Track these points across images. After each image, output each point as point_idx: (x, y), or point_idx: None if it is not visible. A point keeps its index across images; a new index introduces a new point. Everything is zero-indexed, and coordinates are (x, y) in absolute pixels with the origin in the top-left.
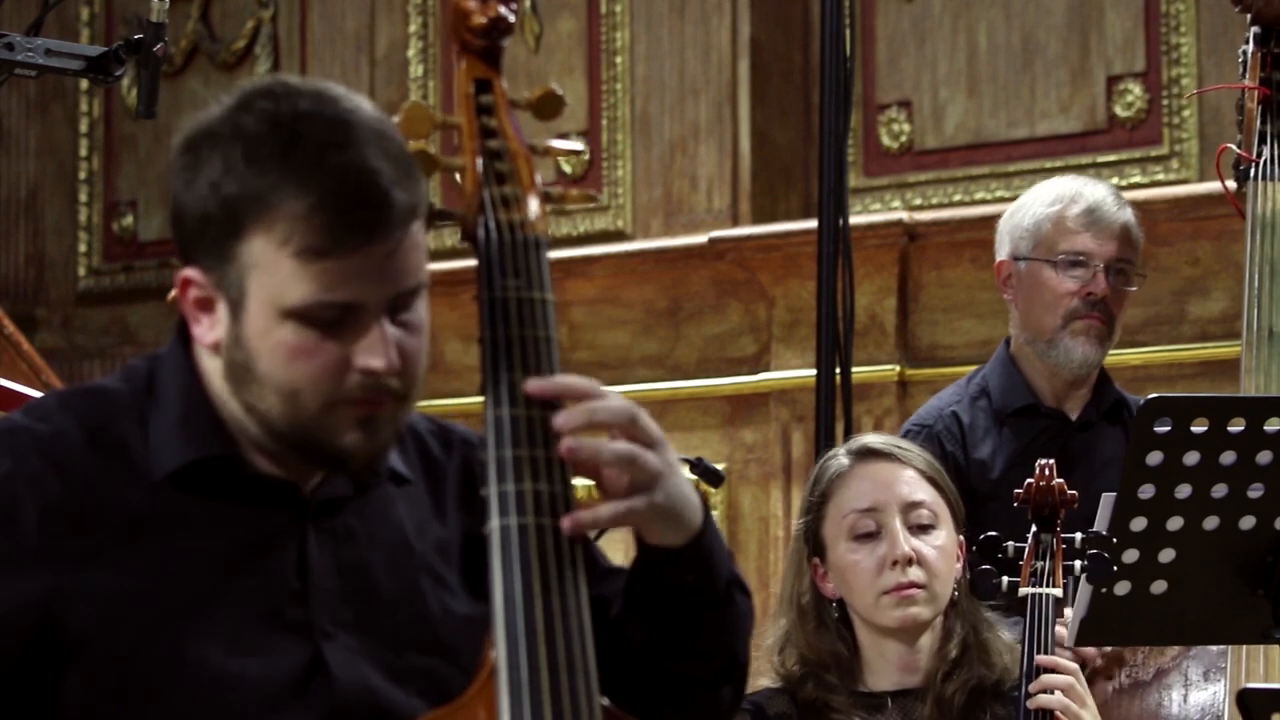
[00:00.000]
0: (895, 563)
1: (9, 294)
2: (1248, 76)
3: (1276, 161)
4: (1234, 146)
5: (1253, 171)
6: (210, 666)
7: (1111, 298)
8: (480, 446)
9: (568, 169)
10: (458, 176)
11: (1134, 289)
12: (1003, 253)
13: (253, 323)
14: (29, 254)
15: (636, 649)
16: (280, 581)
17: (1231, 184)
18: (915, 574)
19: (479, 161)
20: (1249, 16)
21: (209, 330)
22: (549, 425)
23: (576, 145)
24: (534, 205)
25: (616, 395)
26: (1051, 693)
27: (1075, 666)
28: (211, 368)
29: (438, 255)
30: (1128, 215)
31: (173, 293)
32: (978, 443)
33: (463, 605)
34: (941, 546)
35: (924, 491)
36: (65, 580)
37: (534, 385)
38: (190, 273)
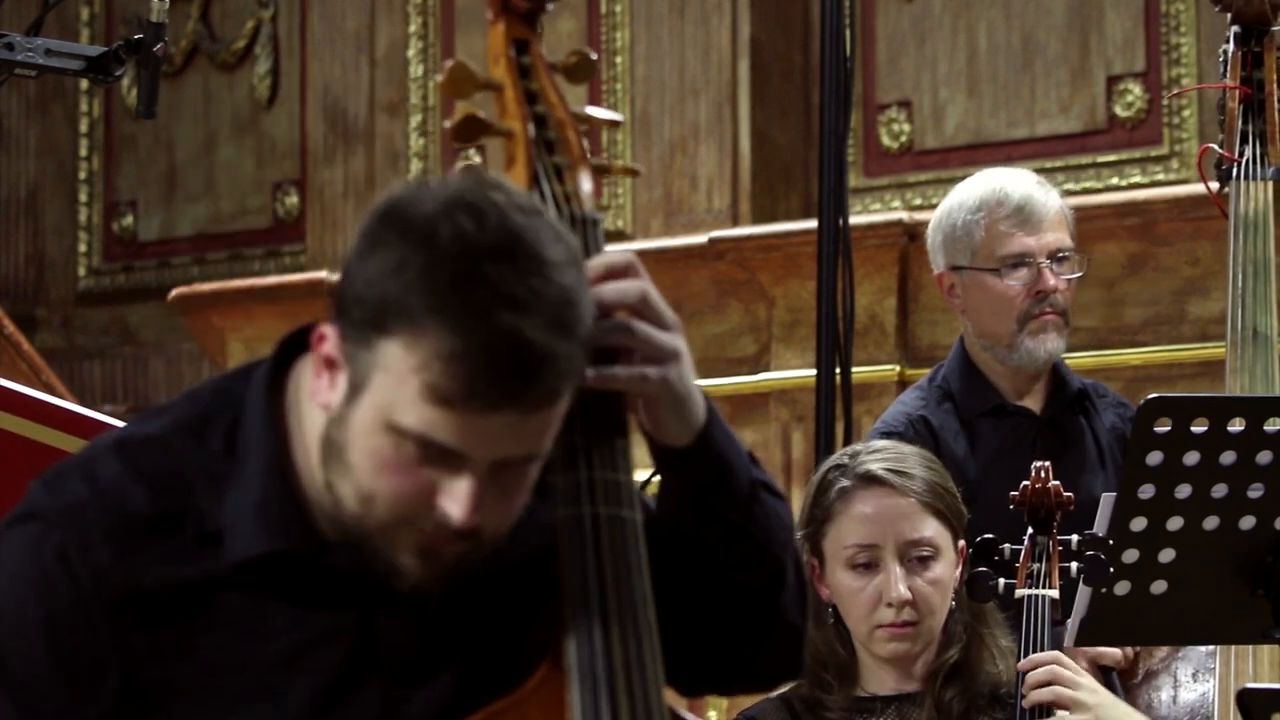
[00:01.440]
0: (890, 603)
1: (9, 294)
2: (1228, 76)
3: (1258, 161)
4: (1216, 146)
5: (1235, 171)
6: None
7: (1058, 288)
8: None
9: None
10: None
11: (1080, 274)
12: (939, 264)
13: (361, 415)
14: (29, 254)
15: (681, 569)
16: (353, 680)
17: (1214, 184)
18: (909, 614)
19: (529, 127)
20: (1229, 16)
21: (327, 390)
22: (612, 409)
23: (614, 115)
24: (586, 178)
25: (626, 268)
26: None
27: (1056, 654)
28: (309, 427)
29: None
30: (1056, 200)
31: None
32: (950, 446)
33: (529, 625)
34: (938, 579)
35: (925, 525)
36: (130, 666)
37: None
38: (330, 330)
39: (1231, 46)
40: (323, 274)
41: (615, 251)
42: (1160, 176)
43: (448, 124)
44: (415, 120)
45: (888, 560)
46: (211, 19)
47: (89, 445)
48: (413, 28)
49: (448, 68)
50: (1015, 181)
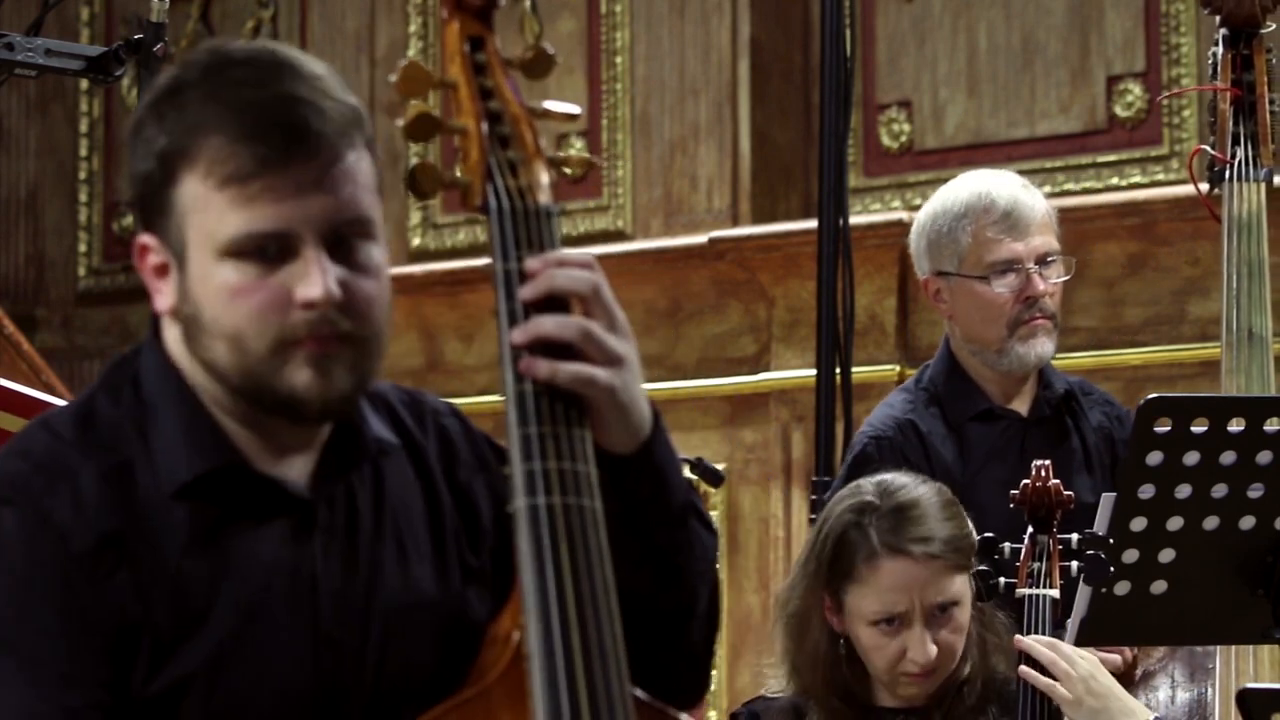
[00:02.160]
0: (915, 660)
1: (9, 294)
2: (1219, 78)
3: (1251, 162)
4: (1209, 148)
5: (1228, 173)
6: (236, 674)
7: (1047, 291)
8: (449, 415)
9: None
10: (457, 141)
11: (1068, 277)
12: (924, 269)
13: (195, 271)
14: (29, 254)
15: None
16: (296, 589)
17: (1204, 185)
18: (930, 664)
19: (483, 124)
20: (1218, 19)
21: (166, 297)
22: (571, 401)
23: (573, 108)
24: (541, 170)
25: (583, 264)
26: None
27: (1051, 640)
28: (174, 343)
29: (437, 255)
30: (1042, 202)
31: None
32: (938, 450)
33: (453, 582)
34: (960, 625)
35: (950, 585)
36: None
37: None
38: (145, 238)
39: (1220, 49)
40: None
41: (578, 251)
42: (1160, 176)
43: (399, 122)
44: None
45: (914, 622)
46: (211, 19)
47: (16, 433)
48: (413, 28)
49: (401, 67)
50: (1000, 185)
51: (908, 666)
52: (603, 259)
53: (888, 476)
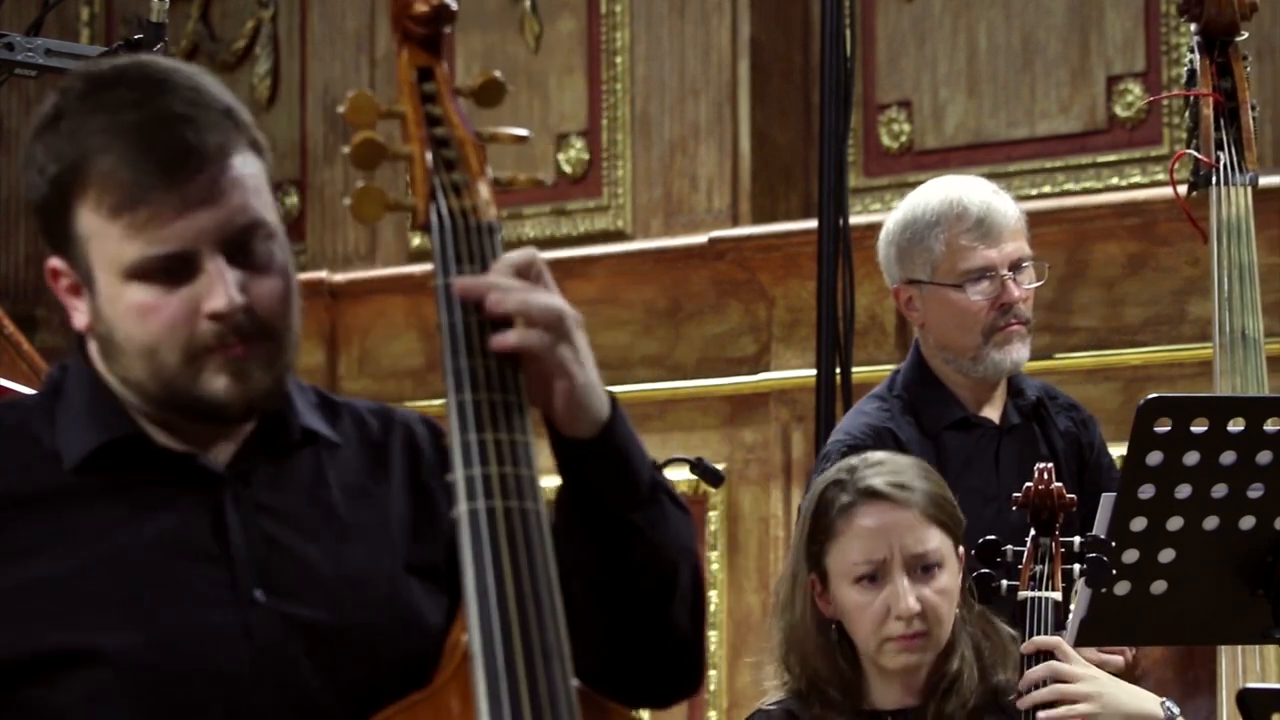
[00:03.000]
0: (899, 616)
1: (9, 294)
2: (1199, 84)
3: (1235, 167)
4: (1194, 152)
5: (1213, 177)
6: (134, 635)
7: (1021, 298)
8: (420, 423)
9: (568, 169)
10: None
11: (1041, 283)
12: (895, 277)
13: (103, 293)
14: (29, 254)
15: (575, 570)
16: (202, 553)
17: (1183, 189)
18: (919, 624)
19: (427, 151)
20: (1194, 26)
21: (82, 315)
22: (512, 409)
23: (521, 131)
24: (484, 191)
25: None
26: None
27: (1058, 640)
28: (95, 354)
29: (429, 257)
30: (1013, 207)
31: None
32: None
33: (394, 567)
34: (944, 589)
35: (929, 536)
36: None
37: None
38: (54, 262)
39: (1198, 55)
40: (323, 273)
41: (520, 251)
42: (1160, 176)
43: (345, 150)
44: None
45: (894, 573)
46: (211, 19)
47: None
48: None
49: (348, 98)
50: (972, 192)
51: (891, 627)
52: (603, 259)
53: (868, 452)
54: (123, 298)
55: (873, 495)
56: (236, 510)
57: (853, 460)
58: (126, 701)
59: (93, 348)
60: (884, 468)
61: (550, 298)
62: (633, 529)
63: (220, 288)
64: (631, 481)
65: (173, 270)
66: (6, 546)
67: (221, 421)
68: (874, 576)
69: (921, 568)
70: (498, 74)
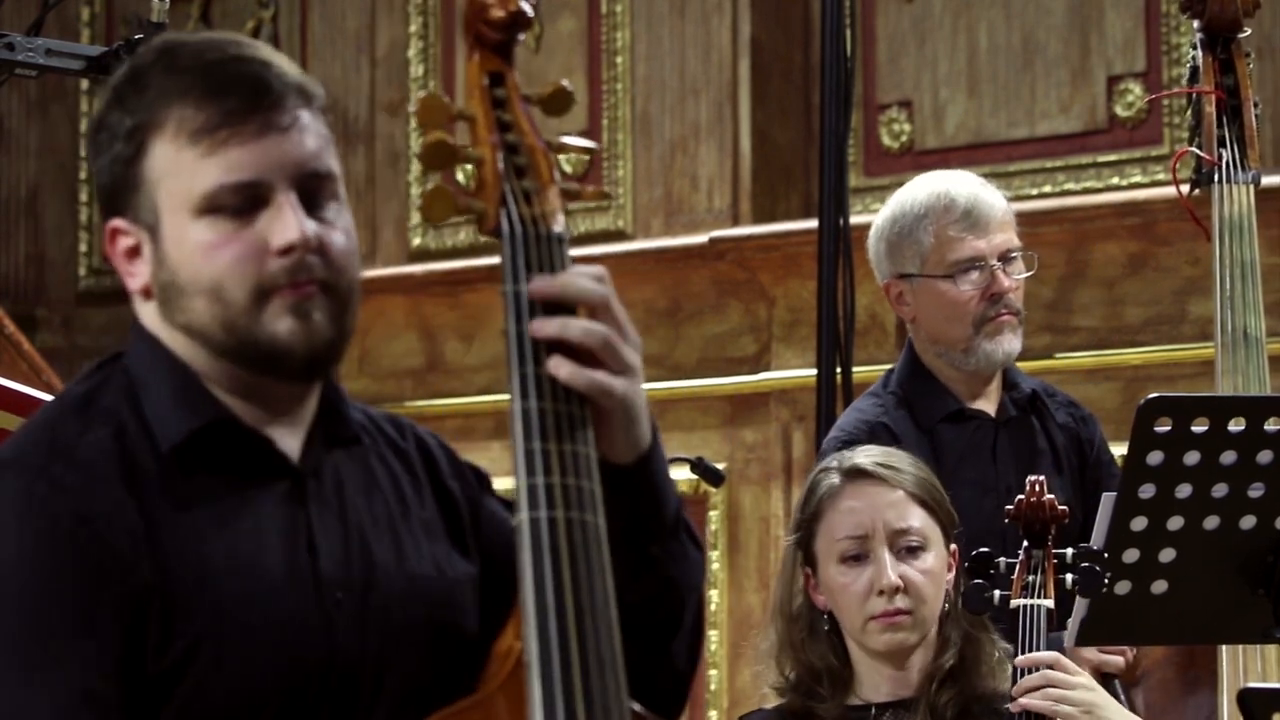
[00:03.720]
0: (882, 591)
1: (9, 294)
2: (1201, 81)
3: (1237, 164)
4: (1196, 149)
5: (1216, 175)
6: (244, 635)
7: (1011, 288)
8: (429, 435)
9: (568, 168)
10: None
11: (1031, 273)
12: (885, 273)
13: (170, 237)
14: (29, 254)
15: None
16: (296, 549)
17: (1185, 188)
18: (901, 601)
19: (499, 155)
20: (1197, 23)
21: (140, 276)
22: (576, 420)
23: (589, 143)
24: (554, 199)
25: (594, 277)
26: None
27: (1055, 655)
28: (154, 321)
29: (438, 255)
30: (1000, 199)
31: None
32: (913, 453)
33: (446, 564)
34: (929, 570)
35: (913, 515)
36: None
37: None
38: (116, 222)
39: (1200, 53)
40: None
41: (590, 266)
42: (1161, 176)
43: (415, 151)
44: (416, 120)
45: (877, 549)
46: (212, 19)
47: (12, 432)
48: (413, 28)
49: (419, 99)
50: (959, 184)
51: (874, 604)
52: (603, 259)
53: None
54: (191, 236)
55: (858, 474)
56: (317, 506)
57: (845, 451)
58: (209, 693)
59: (149, 312)
60: (872, 450)
61: (628, 348)
62: (650, 561)
63: (292, 220)
64: (658, 515)
65: (245, 202)
66: (124, 546)
67: (281, 373)
68: (858, 556)
69: (905, 547)
70: (566, 83)
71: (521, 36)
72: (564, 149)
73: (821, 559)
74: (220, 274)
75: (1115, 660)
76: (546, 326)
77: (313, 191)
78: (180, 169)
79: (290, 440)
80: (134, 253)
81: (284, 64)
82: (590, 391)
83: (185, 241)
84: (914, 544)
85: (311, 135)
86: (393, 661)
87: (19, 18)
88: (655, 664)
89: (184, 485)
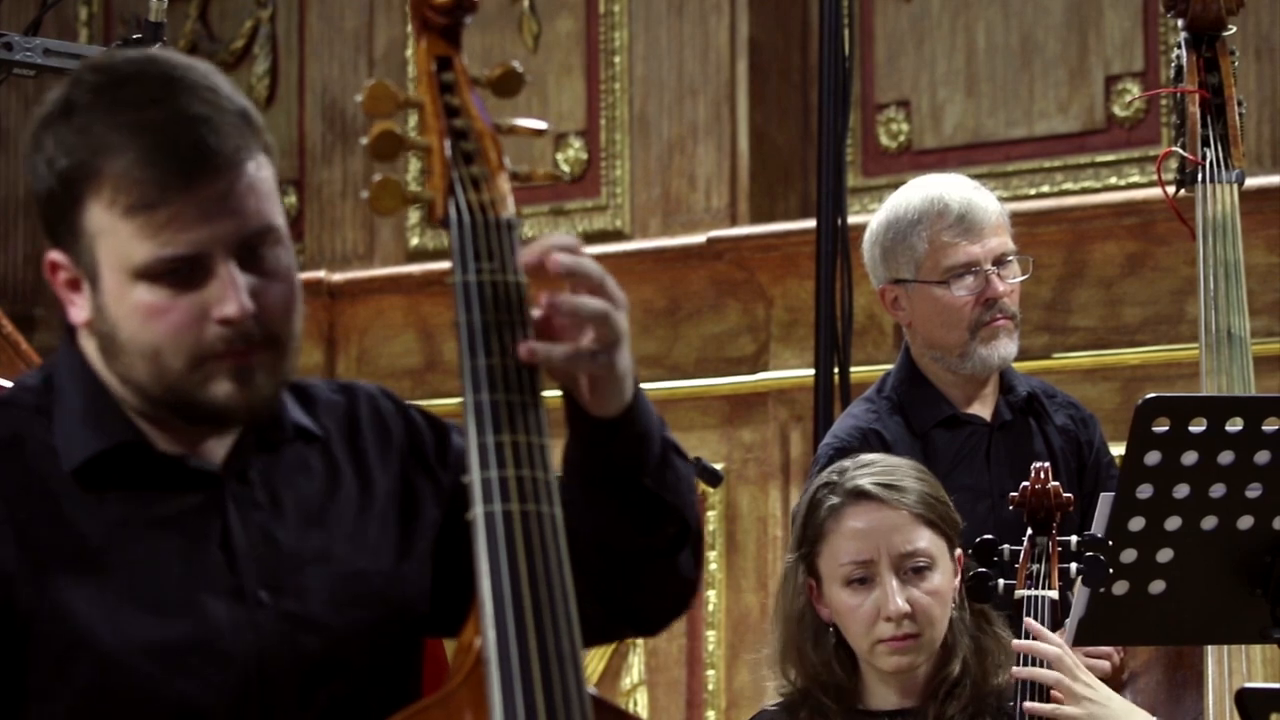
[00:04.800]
0: (889, 618)
1: (8, 293)
2: (1185, 80)
3: (1221, 164)
4: (1180, 150)
5: (1200, 175)
6: (146, 637)
7: (1006, 292)
8: (382, 396)
9: (566, 168)
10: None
11: (1026, 277)
12: (880, 278)
13: (109, 291)
14: (27, 253)
15: (585, 533)
16: (207, 554)
17: (1171, 188)
18: (909, 626)
19: (446, 141)
20: (1180, 22)
21: (81, 310)
22: (530, 411)
23: (539, 124)
24: (503, 185)
25: (567, 247)
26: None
27: (1059, 641)
28: (91, 351)
29: (436, 255)
30: (994, 203)
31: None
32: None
33: (389, 559)
34: (937, 590)
35: (919, 536)
36: (6, 567)
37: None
38: (54, 255)
39: (1184, 52)
40: (321, 273)
41: (560, 236)
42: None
43: (363, 141)
44: (413, 120)
45: (883, 574)
46: (210, 19)
47: None
48: (411, 27)
49: (366, 87)
50: (953, 189)
51: (881, 629)
52: (601, 258)
53: (863, 454)
54: (129, 297)
55: (860, 496)
56: (237, 510)
57: (845, 462)
58: (131, 702)
59: (89, 345)
60: (874, 468)
61: (620, 315)
62: (645, 493)
63: (232, 294)
64: (648, 450)
65: (183, 273)
66: (26, 554)
67: (221, 426)
68: (863, 579)
69: (912, 568)
70: (516, 64)
71: (468, 20)
72: (513, 130)
73: (826, 578)
74: (159, 340)
75: (1101, 665)
76: (557, 304)
77: (254, 248)
78: (117, 235)
79: (215, 448)
80: (75, 284)
81: (222, 111)
82: (595, 371)
83: (124, 300)
84: (920, 565)
85: (252, 195)
86: (328, 661)
87: (17, 17)
88: (666, 580)
89: (86, 502)
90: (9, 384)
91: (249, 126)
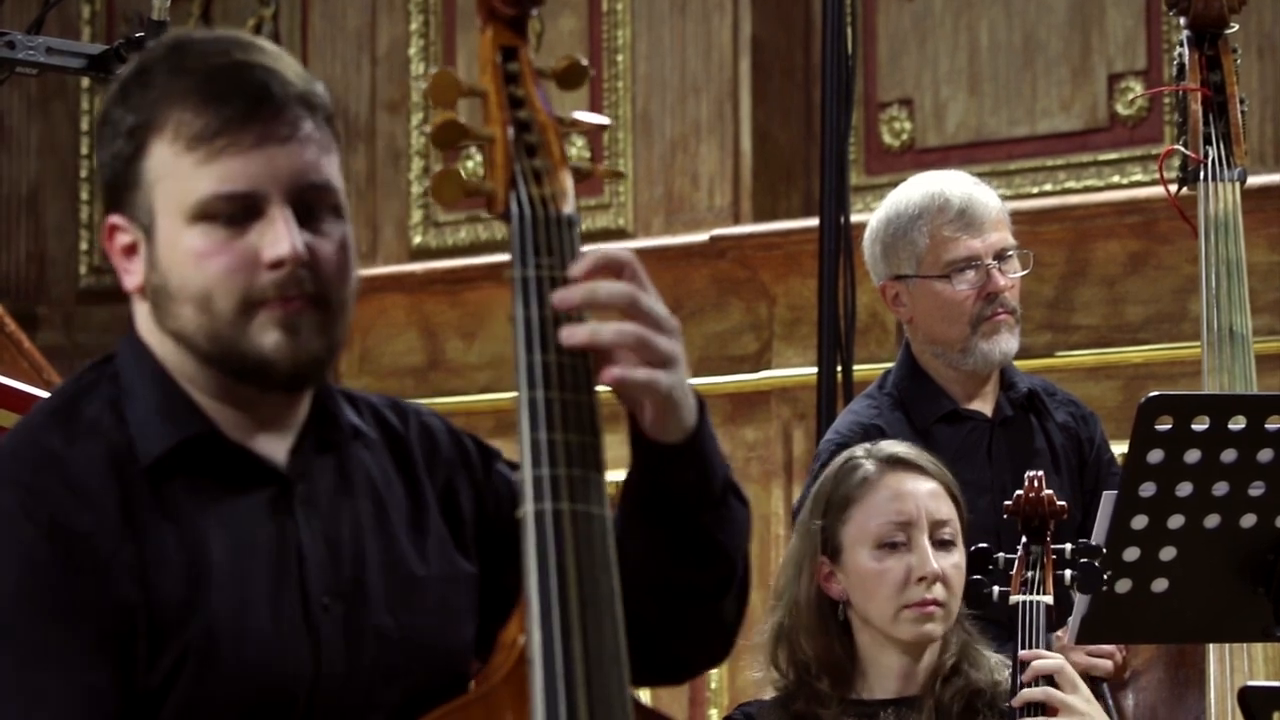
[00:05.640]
0: (922, 579)
1: (10, 292)
2: (1187, 78)
3: (1223, 162)
4: (1182, 148)
5: (1201, 173)
6: (210, 637)
7: (1007, 287)
8: (430, 415)
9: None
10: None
11: (1027, 272)
12: (881, 275)
13: (163, 239)
14: (30, 252)
15: (634, 563)
16: (281, 556)
17: (1174, 187)
18: (939, 592)
19: (509, 132)
20: (1183, 20)
21: (135, 275)
22: (584, 410)
23: (602, 119)
24: (566, 180)
25: (612, 267)
26: (1037, 683)
27: (1059, 656)
28: (146, 324)
29: (438, 253)
30: (995, 198)
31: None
32: None
33: (442, 564)
34: (959, 565)
35: (948, 508)
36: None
37: (558, 297)
38: (114, 219)
39: (1186, 50)
40: None
41: (617, 248)
42: None
43: (428, 129)
44: (416, 118)
45: (919, 537)
46: (213, 17)
47: None
48: (414, 26)
49: (432, 76)
50: (953, 184)
51: (911, 593)
52: None
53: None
54: (183, 241)
55: (898, 462)
56: (304, 511)
57: (864, 444)
58: (196, 708)
59: (141, 314)
60: (899, 449)
61: (664, 339)
62: (701, 530)
63: (285, 234)
64: (708, 486)
65: (238, 213)
66: (113, 566)
67: (266, 384)
68: (894, 544)
69: (941, 540)
70: (581, 57)
71: (535, 11)
72: (575, 125)
73: (850, 546)
74: (209, 283)
75: (1103, 664)
76: (576, 335)
77: (309, 203)
78: (177, 173)
79: (278, 446)
80: (131, 250)
81: (290, 69)
82: (638, 392)
83: (177, 246)
84: (948, 537)
85: (312, 146)
86: (385, 668)
87: (20, 16)
88: (706, 622)
89: (167, 497)
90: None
91: (316, 96)
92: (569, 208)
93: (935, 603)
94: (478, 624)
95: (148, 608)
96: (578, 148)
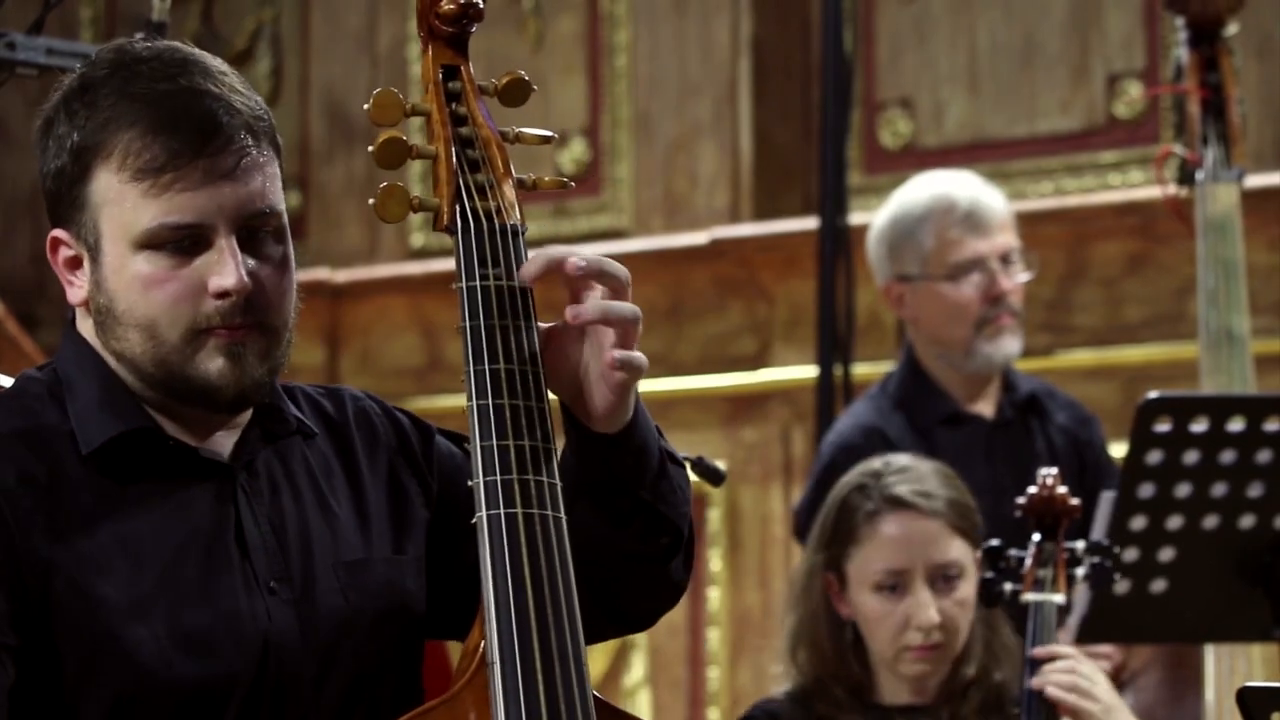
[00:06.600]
0: (920, 627)
1: (11, 292)
2: (1185, 79)
3: (1222, 163)
4: (1179, 149)
5: (1199, 174)
6: (170, 625)
7: (1012, 290)
8: (367, 398)
9: (568, 168)
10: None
11: (1031, 275)
12: (885, 275)
13: (109, 263)
14: (31, 252)
15: (580, 537)
16: (222, 544)
17: (1172, 188)
18: (938, 636)
19: (452, 149)
20: (1182, 20)
21: (80, 290)
22: (534, 415)
23: (546, 132)
24: (509, 192)
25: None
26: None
27: (1074, 651)
28: (90, 333)
29: (438, 254)
30: (999, 199)
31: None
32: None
33: (387, 550)
34: (965, 599)
35: (951, 546)
36: (41, 553)
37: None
38: (57, 232)
39: (1185, 50)
40: (324, 272)
41: (560, 248)
42: None
43: (370, 149)
44: (416, 120)
45: (916, 584)
46: (213, 18)
47: None
48: (414, 26)
49: (374, 95)
50: (959, 186)
51: (910, 637)
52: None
53: (889, 455)
54: (129, 267)
55: (897, 504)
56: (248, 500)
57: (875, 464)
58: (157, 691)
59: (86, 327)
60: (908, 475)
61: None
62: (642, 504)
63: (231, 265)
64: (645, 464)
65: (184, 243)
66: (28, 526)
67: (211, 408)
68: (895, 587)
69: (943, 578)
70: (523, 74)
71: (474, 28)
72: (519, 138)
73: (854, 582)
74: (155, 311)
75: (1102, 665)
76: (587, 312)
77: (254, 229)
78: (123, 201)
79: (223, 440)
80: (75, 263)
81: (235, 93)
82: (630, 375)
83: (123, 272)
84: (952, 574)
85: (257, 175)
86: (335, 649)
87: (20, 17)
88: (657, 584)
89: (105, 489)
90: (8, 380)
91: (261, 117)
92: (513, 219)
93: (936, 646)
94: (436, 620)
95: (64, 571)
96: (577, 148)
